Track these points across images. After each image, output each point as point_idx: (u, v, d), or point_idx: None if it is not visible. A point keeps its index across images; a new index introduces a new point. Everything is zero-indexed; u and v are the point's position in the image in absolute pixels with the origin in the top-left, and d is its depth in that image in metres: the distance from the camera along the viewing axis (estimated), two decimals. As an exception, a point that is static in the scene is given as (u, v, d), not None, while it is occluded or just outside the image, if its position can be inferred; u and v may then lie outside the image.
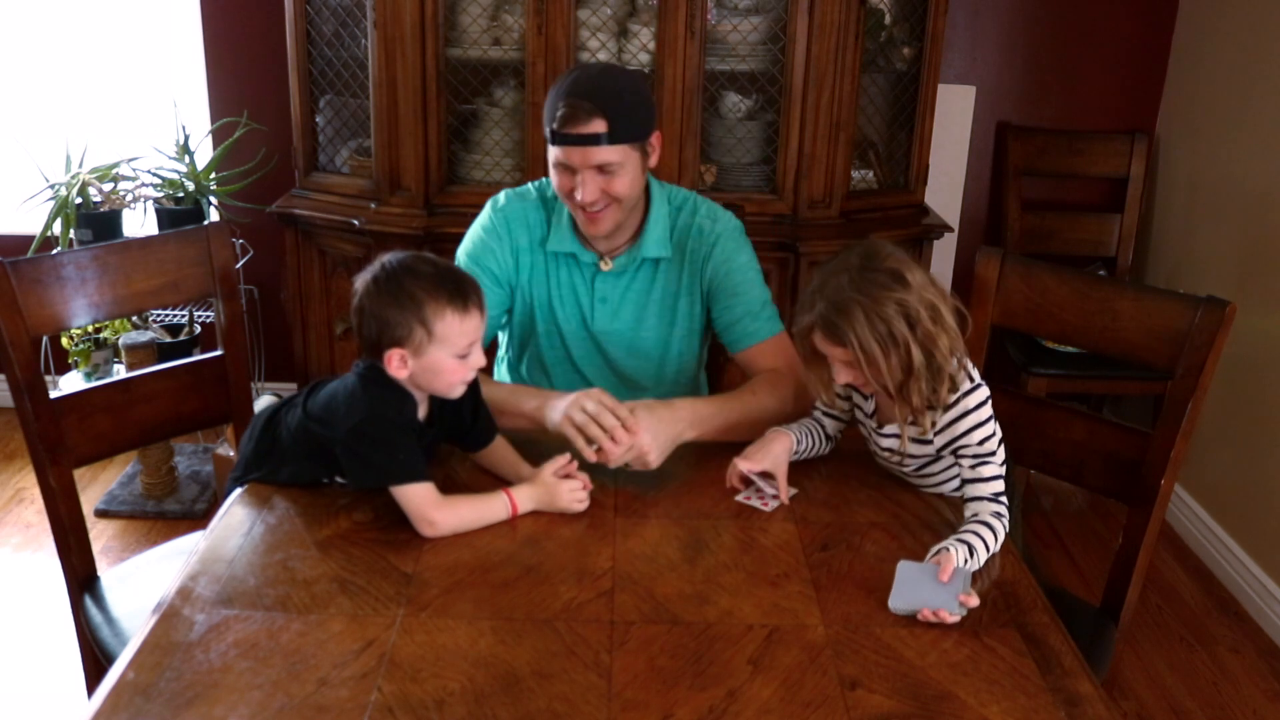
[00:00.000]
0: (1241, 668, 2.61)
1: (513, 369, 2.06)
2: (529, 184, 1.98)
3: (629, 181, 1.79)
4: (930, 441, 1.59)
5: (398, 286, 1.48)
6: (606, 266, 1.91)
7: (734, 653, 1.29)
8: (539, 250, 1.93)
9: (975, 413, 1.55)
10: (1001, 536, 1.52)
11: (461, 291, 1.50)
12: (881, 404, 1.66)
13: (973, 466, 1.56)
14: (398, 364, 1.50)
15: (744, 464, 1.65)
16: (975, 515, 1.54)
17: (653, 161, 1.84)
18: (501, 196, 1.96)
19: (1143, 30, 3.42)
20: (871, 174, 3.04)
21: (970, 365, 1.58)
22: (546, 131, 1.78)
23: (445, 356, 1.50)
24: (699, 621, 1.35)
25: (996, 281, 1.94)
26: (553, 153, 1.79)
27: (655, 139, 1.82)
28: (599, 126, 1.73)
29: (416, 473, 1.52)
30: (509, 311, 1.98)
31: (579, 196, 1.77)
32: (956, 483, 1.65)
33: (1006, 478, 1.59)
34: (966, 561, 1.45)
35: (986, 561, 1.49)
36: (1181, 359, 1.74)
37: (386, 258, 1.53)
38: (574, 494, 1.58)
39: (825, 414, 1.76)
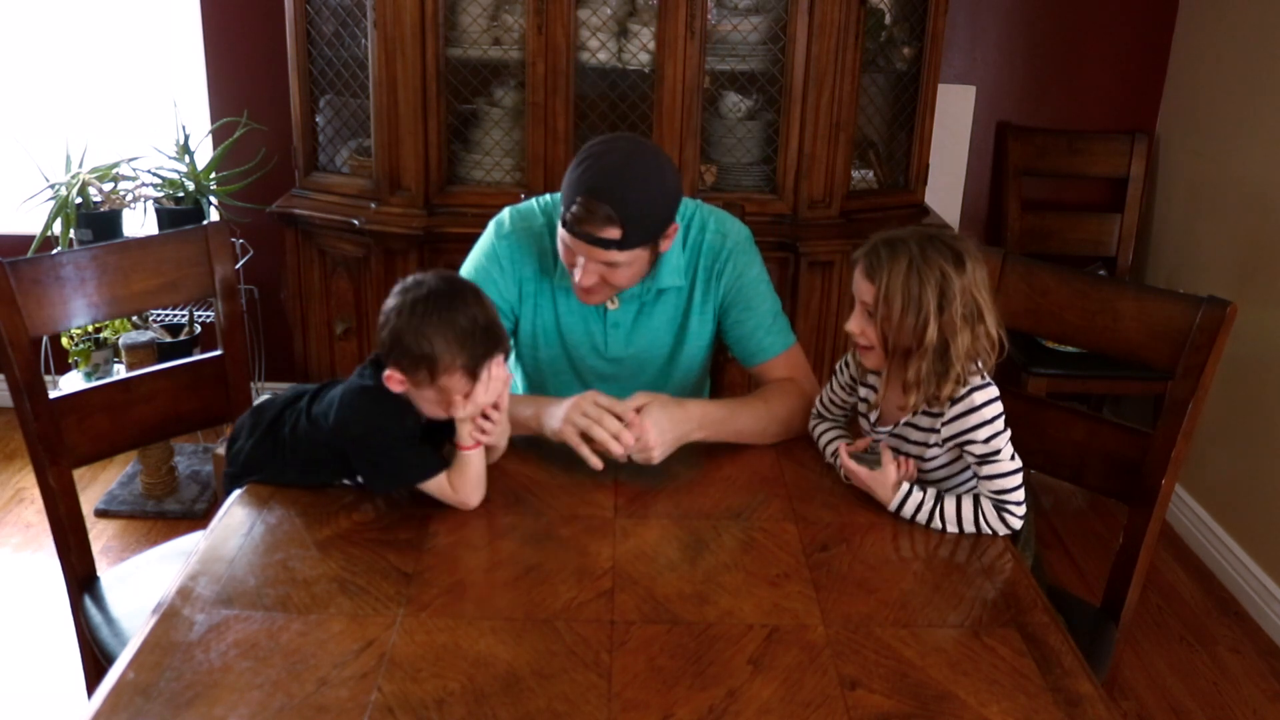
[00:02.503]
0: (1241, 668, 2.61)
1: (515, 387, 2.04)
2: (533, 202, 1.93)
3: (632, 275, 1.76)
4: (937, 431, 1.59)
5: (427, 324, 1.46)
6: (614, 306, 1.88)
7: (734, 653, 1.29)
8: (545, 279, 1.89)
9: (981, 410, 1.55)
10: (990, 519, 1.56)
11: (482, 356, 1.49)
12: (885, 406, 1.66)
13: (978, 464, 1.57)
14: (396, 382, 1.51)
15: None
16: (974, 493, 1.59)
17: (664, 247, 1.78)
18: (506, 220, 1.91)
19: (1143, 30, 3.42)
20: (871, 174, 3.04)
21: (983, 369, 1.58)
22: (562, 210, 1.71)
23: (438, 399, 1.52)
24: (699, 621, 1.35)
25: (997, 281, 1.94)
26: (560, 229, 1.73)
27: (672, 230, 1.76)
28: (612, 233, 1.66)
29: (429, 469, 1.54)
30: (513, 334, 1.96)
31: (577, 279, 1.74)
32: (968, 487, 1.66)
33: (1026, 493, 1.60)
34: (909, 500, 1.58)
35: (950, 529, 1.58)
36: (1182, 359, 1.74)
37: (434, 282, 1.49)
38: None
39: (833, 404, 1.78)
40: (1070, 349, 3.04)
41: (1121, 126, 3.48)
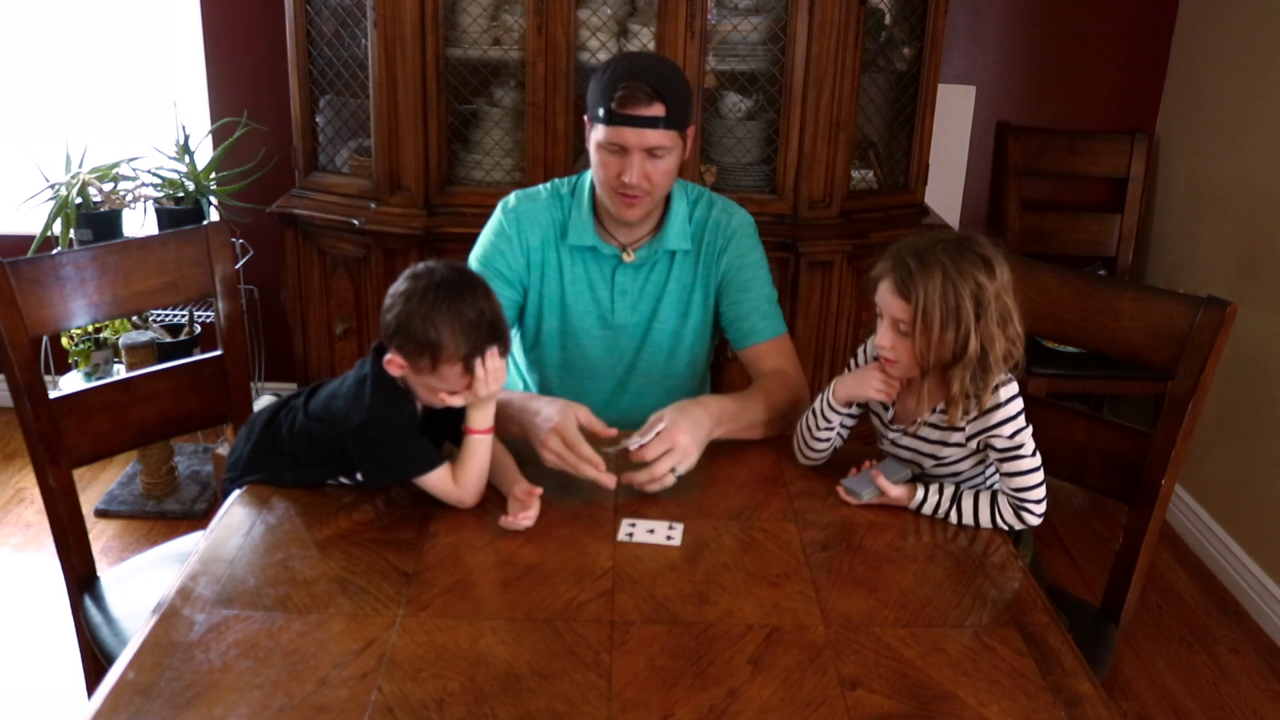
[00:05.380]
0: (1241, 668, 2.61)
1: (518, 367, 2.05)
2: (538, 186, 1.97)
3: (670, 169, 1.81)
4: (961, 430, 1.59)
5: (436, 312, 1.47)
6: (629, 258, 1.91)
7: (734, 653, 1.29)
8: (552, 248, 1.92)
9: (1005, 406, 1.55)
10: (1007, 516, 1.57)
11: (482, 349, 1.50)
12: (902, 407, 1.66)
13: (1000, 460, 1.58)
14: (396, 366, 1.52)
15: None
16: (991, 488, 1.60)
17: (685, 153, 1.85)
18: (511, 198, 1.96)
19: (1143, 30, 3.42)
20: (871, 174, 3.04)
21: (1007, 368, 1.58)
22: (598, 112, 1.77)
23: (436, 386, 1.52)
24: (699, 621, 1.35)
25: (997, 281, 1.94)
26: (603, 133, 1.77)
27: (691, 131, 1.84)
28: (658, 109, 1.74)
29: (429, 462, 1.54)
30: (521, 307, 1.98)
31: (627, 177, 1.77)
32: (972, 485, 1.66)
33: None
34: (925, 504, 1.60)
35: (966, 523, 1.59)
36: (1182, 359, 1.74)
37: (444, 271, 1.51)
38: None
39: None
40: (1070, 349, 3.04)
41: (1121, 126, 3.48)
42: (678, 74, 1.82)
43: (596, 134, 1.79)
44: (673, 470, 1.61)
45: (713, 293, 1.96)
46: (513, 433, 1.72)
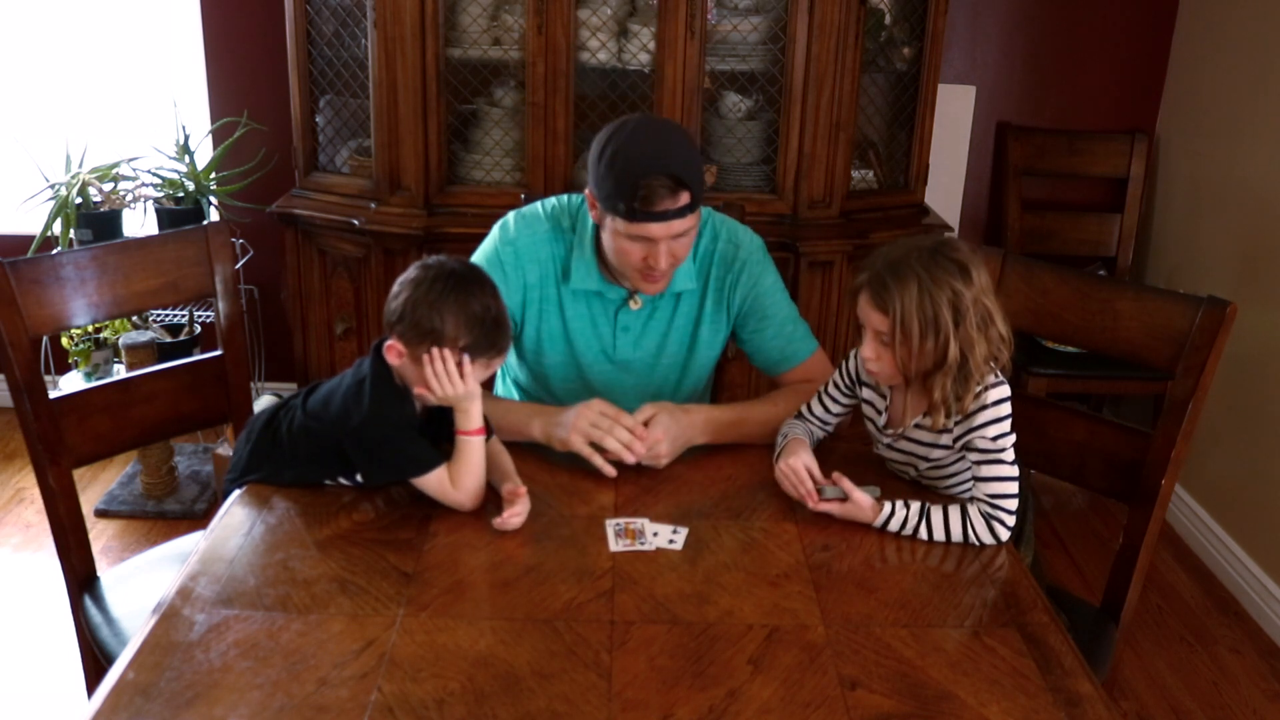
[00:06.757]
0: (1241, 668, 2.61)
1: (522, 391, 2.02)
2: (537, 206, 1.90)
3: (693, 240, 1.78)
4: (949, 431, 1.58)
5: (444, 301, 1.49)
6: (636, 305, 1.88)
7: (734, 653, 1.29)
8: (552, 284, 1.87)
9: (992, 408, 1.54)
10: (979, 529, 1.54)
11: (482, 347, 1.51)
12: (894, 412, 1.66)
13: (978, 463, 1.56)
14: (395, 354, 1.53)
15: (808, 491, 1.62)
16: (960, 500, 1.58)
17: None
18: (511, 224, 1.88)
19: (1143, 30, 3.42)
20: (871, 174, 3.04)
21: (996, 366, 1.57)
22: (618, 206, 1.68)
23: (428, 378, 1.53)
24: (699, 621, 1.35)
25: (997, 282, 1.94)
26: (624, 227, 1.69)
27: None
28: (684, 199, 1.67)
29: (428, 463, 1.54)
30: (515, 339, 1.94)
31: (658, 266, 1.72)
32: (967, 488, 1.65)
33: (1021, 493, 1.59)
34: (893, 518, 1.55)
35: (937, 538, 1.55)
36: (1182, 359, 1.74)
37: (456, 264, 1.53)
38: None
39: (831, 399, 1.76)
40: (1070, 349, 3.04)
41: (1121, 126, 3.48)
42: (689, 147, 1.73)
43: (616, 224, 1.70)
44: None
45: (724, 326, 1.92)
46: (526, 432, 1.74)
